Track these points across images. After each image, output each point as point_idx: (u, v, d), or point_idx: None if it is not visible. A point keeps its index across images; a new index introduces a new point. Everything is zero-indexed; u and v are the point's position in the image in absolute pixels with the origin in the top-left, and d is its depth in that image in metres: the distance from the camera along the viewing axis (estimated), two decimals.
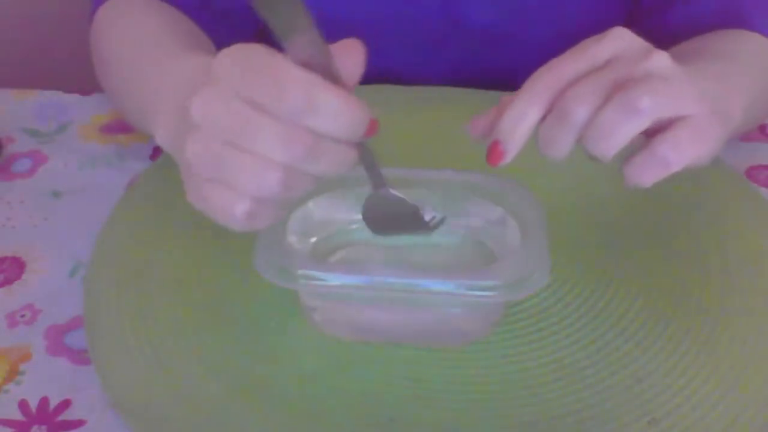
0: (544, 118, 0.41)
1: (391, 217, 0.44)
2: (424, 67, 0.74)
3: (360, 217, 0.52)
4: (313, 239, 0.51)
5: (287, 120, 0.36)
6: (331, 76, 0.37)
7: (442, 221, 0.46)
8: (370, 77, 0.65)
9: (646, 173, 0.40)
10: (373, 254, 0.52)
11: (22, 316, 0.51)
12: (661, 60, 0.41)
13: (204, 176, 0.38)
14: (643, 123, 0.39)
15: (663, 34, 0.62)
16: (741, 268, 0.53)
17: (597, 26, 0.44)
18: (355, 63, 0.38)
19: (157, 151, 0.64)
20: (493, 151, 0.41)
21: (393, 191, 0.43)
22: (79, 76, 0.72)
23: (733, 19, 0.60)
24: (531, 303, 0.50)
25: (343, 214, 0.51)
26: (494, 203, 0.49)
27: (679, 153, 0.40)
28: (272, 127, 0.36)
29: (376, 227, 0.45)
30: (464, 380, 0.46)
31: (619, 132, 0.39)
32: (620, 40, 0.41)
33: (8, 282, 0.53)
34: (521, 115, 0.40)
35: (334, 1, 0.70)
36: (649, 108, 0.39)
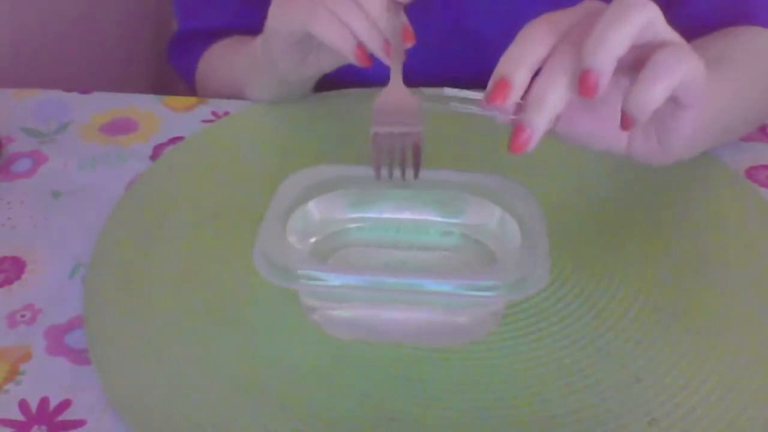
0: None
1: None
2: (426, 69, 0.74)
3: (360, 216, 0.52)
4: (313, 239, 0.51)
5: None
6: None
7: None
8: (371, 80, 0.65)
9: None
10: (373, 254, 0.52)
11: (22, 316, 0.51)
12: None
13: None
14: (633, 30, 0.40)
15: None
16: (741, 268, 0.53)
17: None
18: None
19: (157, 151, 0.65)
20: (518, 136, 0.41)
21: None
22: (79, 76, 0.71)
23: (737, 16, 0.60)
24: (531, 303, 0.50)
25: (343, 214, 0.51)
26: (494, 203, 0.49)
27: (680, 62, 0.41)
28: None
29: None
30: (464, 380, 0.46)
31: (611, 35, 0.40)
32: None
33: (8, 282, 0.53)
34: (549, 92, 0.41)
35: None
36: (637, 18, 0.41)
